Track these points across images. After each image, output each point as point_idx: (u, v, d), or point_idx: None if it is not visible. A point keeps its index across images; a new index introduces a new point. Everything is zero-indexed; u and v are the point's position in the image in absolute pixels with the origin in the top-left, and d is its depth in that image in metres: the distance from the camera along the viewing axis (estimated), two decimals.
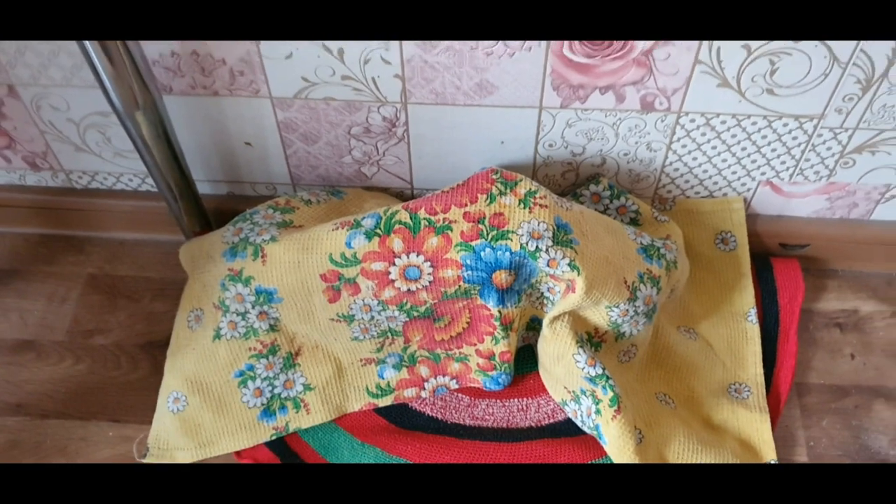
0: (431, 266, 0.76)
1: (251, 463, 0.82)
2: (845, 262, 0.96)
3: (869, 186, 0.88)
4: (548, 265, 0.74)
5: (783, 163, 0.86)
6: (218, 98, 0.83)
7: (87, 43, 0.69)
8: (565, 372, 0.78)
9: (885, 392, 0.87)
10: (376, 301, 0.78)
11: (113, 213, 0.97)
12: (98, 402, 0.86)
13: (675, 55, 0.75)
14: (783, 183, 0.89)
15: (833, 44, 0.73)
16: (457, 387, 0.85)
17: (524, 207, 0.75)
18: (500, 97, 0.81)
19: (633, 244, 0.80)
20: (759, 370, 0.85)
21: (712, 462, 0.76)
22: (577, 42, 0.74)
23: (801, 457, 0.83)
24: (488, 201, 0.75)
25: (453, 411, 0.84)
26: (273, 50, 0.78)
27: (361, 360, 0.85)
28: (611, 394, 0.75)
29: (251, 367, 0.83)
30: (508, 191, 0.76)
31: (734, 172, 0.88)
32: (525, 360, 0.85)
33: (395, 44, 0.76)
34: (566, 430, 0.82)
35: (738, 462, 0.77)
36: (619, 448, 0.75)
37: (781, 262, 0.93)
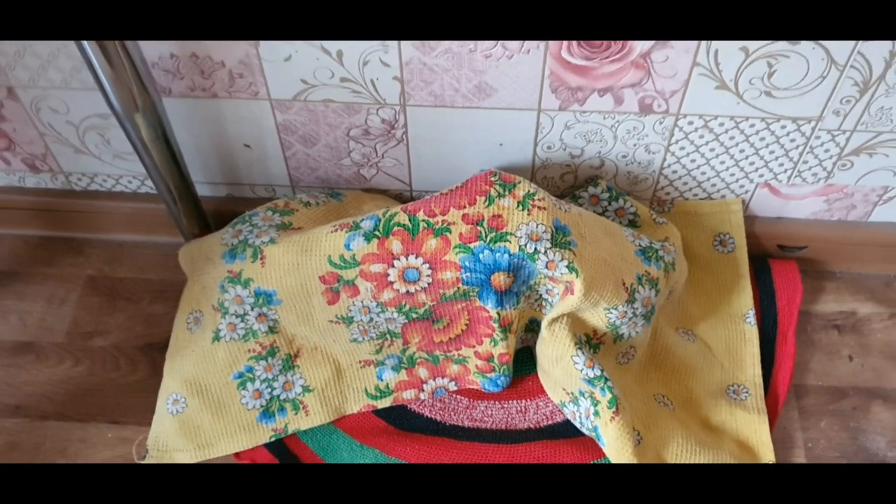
0: (430, 268, 0.76)
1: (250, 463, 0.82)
2: (843, 264, 0.96)
3: (867, 188, 0.89)
4: (546, 267, 0.74)
5: (781, 165, 0.86)
6: (217, 100, 0.84)
7: (86, 45, 0.69)
8: (564, 373, 0.79)
9: (882, 393, 0.87)
10: (375, 303, 0.79)
11: (112, 215, 0.97)
12: (97, 403, 0.87)
13: (674, 57, 0.75)
14: (781, 185, 0.89)
15: (830, 46, 0.73)
16: (455, 388, 0.85)
17: (523, 209, 0.75)
18: (498, 99, 0.81)
19: (631, 246, 0.80)
20: (758, 372, 0.85)
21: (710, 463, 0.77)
22: (575, 44, 0.75)
23: (799, 458, 0.83)
24: (487, 203, 0.75)
25: (452, 413, 0.84)
26: (272, 52, 0.78)
27: (360, 362, 0.85)
28: (609, 395, 0.75)
29: (250, 369, 0.83)
30: (507, 193, 0.76)
31: (732, 174, 0.89)
32: (524, 362, 0.86)
33: (393, 46, 0.76)
34: (565, 431, 0.82)
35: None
36: (617, 449, 0.75)
37: (779, 264, 0.93)
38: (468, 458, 0.80)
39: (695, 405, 0.83)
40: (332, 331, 0.82)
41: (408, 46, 0.76)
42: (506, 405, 0.85)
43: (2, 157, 0.93)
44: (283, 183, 0.94)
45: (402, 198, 0.94)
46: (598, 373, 0.76)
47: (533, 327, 0.83)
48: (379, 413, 0.85)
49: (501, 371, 0.82)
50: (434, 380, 0.85)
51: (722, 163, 0.87)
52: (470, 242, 0.74)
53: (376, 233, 0.76)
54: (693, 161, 0.87)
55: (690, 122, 0.82)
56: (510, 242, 0.74)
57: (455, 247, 0.75)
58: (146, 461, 0.82)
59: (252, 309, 0.82)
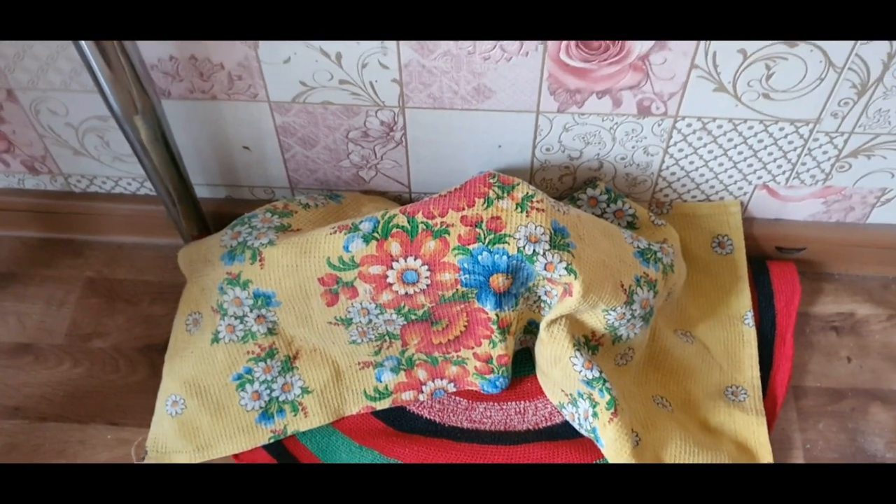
0: (429, 270, 0.76)
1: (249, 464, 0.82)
2: (842, 266, 0.97)
3: (865, 190, 0.89)
4: (545, 269, 0.74)
5: (779, 167, 0.87)
6: (216, 102, 0.84)
7: (85, 47, 0.69)
8: (562, 375, 0.79)
9: (881, 395, 0.87)
10: (374, 304, 0.79)
11: (111, 217, 0.97)
12: (96, 405, 0.87)
13: (672, 60, 0.75)
14: (779, 187, 0.90)
15: (828, 48, 0.73)
16: (454, 390, 0.85)
17: (521, 211, 0.75)
18: (497, 101, 0.81)
19: (629, 248, 0.80)
20: (756, 373, 0.86)
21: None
22: (573, 46, 0.75)
23: (798, 459, 0.83)
24: (486, 205, 0.75)
25: (451, 414, 0.84)
26: (271, 54, 0.78)
27: (359, 364, 0.85)
28: (608, 397, 0.75)
29: (249, 371, 0.83)
30: (506, 195, 0.76)
31: (731, 176, 0.89)
32: (522, 364, 0.86)
33: (392, 48, 0.76)
34: (563, 432, 0.82)
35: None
36: (616, 451, 0.75)
37: (778, 266, 0.93)
38: (467, 460, 0.80)
39: (693, 406, 0.83)
40: (331, 332, 0.82)
41: (406, 48, 0.76)
42: (505, 406, 0.85)
43: (1, 159, 0.93)
44: (282, 185, 0.94)
45: (401, 200, 0.95)
46: (597, 374, 0.76)
47: (532, 329, 0.83)
48: (378, 414, 0.85)
49: (500, 372, 0.83)
50: (433, 381, 0.85)
51: (720, 165, 0.87)
52: (469, 244, 0.75)
53: (375, 235, 0.76)
54: (691, 163, 0.87)
55: (689, 125, 0.82)
56: (509, 244, 0.74)
57: (454, 248, 0.75)
58: (145, 462, 0.82)
59: (251, 310, 0.82)
